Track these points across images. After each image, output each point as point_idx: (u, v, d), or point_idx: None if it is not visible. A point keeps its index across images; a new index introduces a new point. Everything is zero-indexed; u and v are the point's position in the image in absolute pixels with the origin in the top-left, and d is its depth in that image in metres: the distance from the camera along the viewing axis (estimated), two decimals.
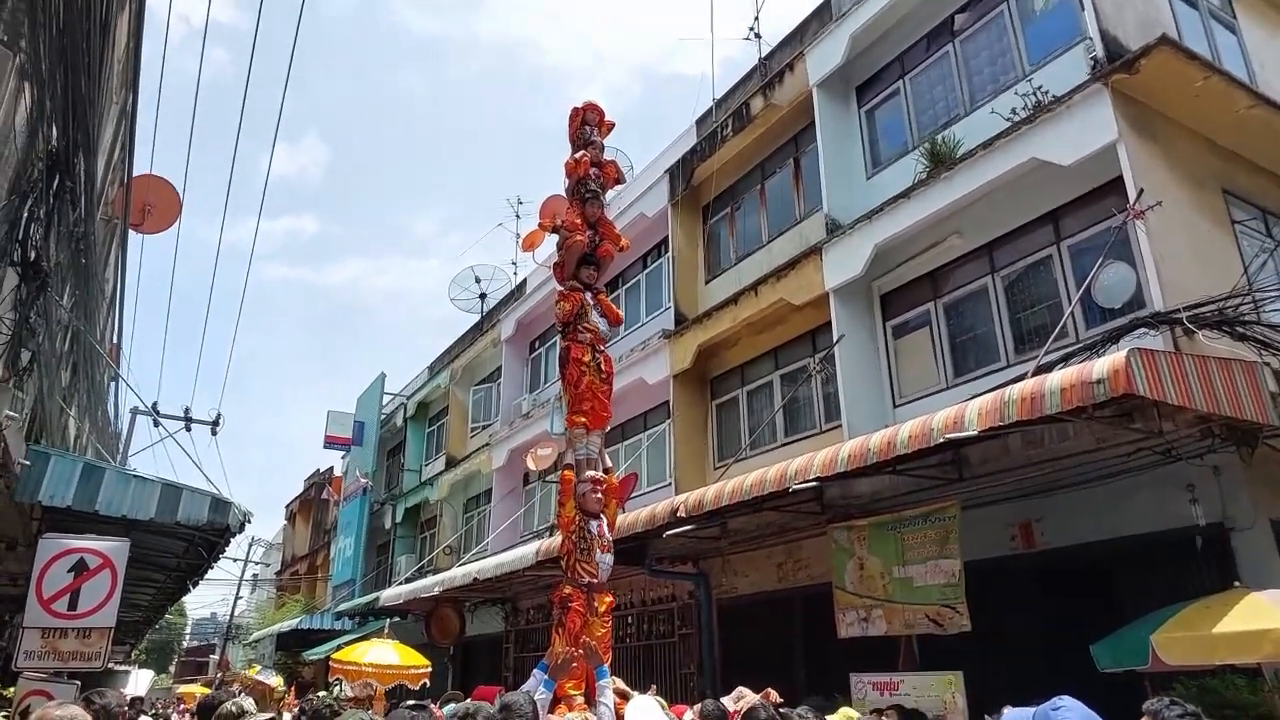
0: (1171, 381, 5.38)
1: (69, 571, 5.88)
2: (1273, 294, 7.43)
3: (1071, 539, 7.40)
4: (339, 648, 17.13)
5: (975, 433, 6.03)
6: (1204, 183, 8.33)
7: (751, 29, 14.38)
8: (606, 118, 7.73)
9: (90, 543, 5.95)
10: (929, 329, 9.97)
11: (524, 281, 20.60)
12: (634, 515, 9.76)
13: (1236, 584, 5.50)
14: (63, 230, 5.63)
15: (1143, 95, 7.94)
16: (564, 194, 7.58)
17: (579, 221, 7.11)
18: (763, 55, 13.86)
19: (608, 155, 8.08)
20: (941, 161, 9.44)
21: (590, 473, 6.29)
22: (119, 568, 5.94)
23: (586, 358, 6.59)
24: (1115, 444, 6.62)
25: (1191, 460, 6.47)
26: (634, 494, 13.49)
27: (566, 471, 6.32)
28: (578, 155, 7.42)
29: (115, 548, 5.99)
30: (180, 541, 8.57)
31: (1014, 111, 8.76)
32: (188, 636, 62.76)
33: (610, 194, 8.81)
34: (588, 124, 7.61)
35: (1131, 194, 7.43)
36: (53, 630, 5.96)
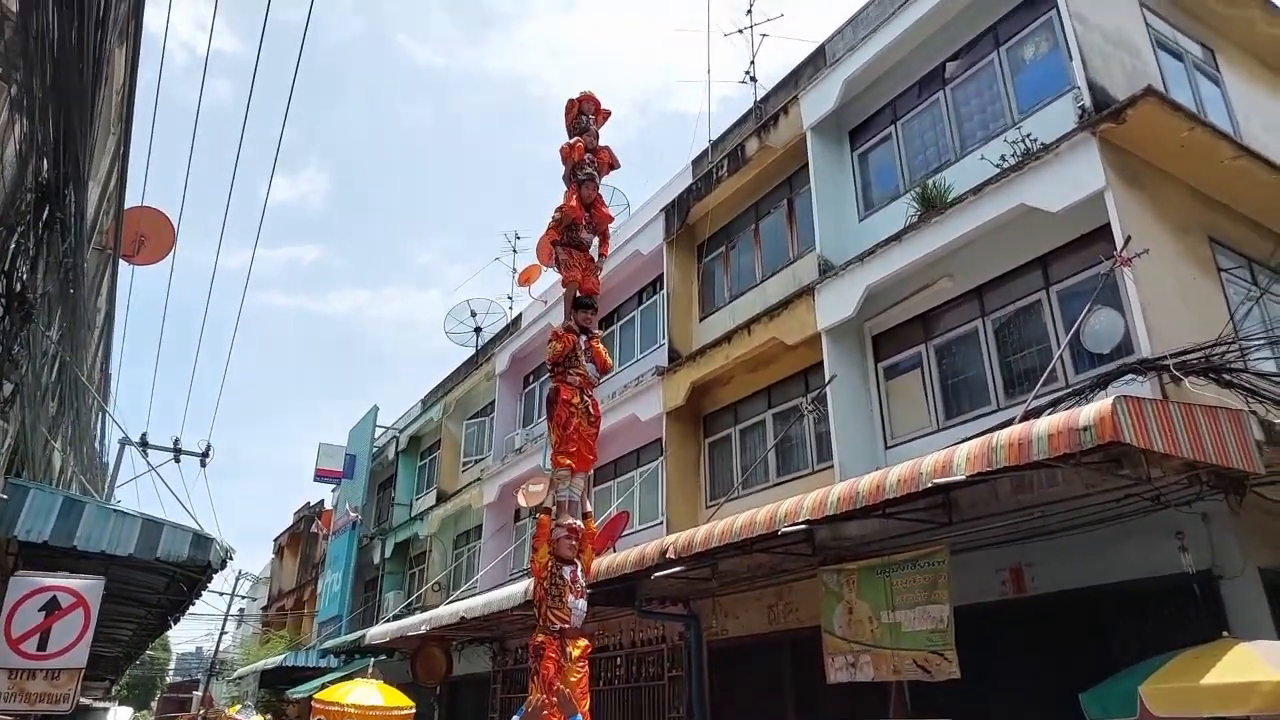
0: (1158, 429, 5.38)
1: (40, 610, 5.73)
2: (1258, 342, 7.46)
3: (1061, 585, 7.34)
4: (323, 686, 16.85)
5: (963, 477, 6.00)
6: (1190, 231, 8.42)
7: (747, 72, 14.62)
8: (603, 107, 7.97)
9: (64, 580, 5.82)
10: (920, 371, 9.98)
11: (519, 316, 20.66)
12: (623, 555, 9.66)
13: (1225, 634, 5.44)
14: (51, 261, 5.64)
15: (1130, 145, 8.06)
16: (562, 180, 7.79)
17: (574, 204, 7.35)
18: (758, 98, 14.08)
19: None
20: (932, 205, 9.54)
21: (567, 519, 6.29)
22: (93, 607, 5.81)
23: (575, 400, 6.63)
24: (1104, 490, 6.60)
25: (1180, 507, 6.45)
26: (625, 533, 13.38)
27: (543, 516, 6.33)
28: (573, 141, 7.62)
29: (89, 586, 5.85)
30: (161, 577, 8.45)
31: (1003, 158, 8.87)
32: (171, 672, 61.70)
33: (611, 226, 8.97)
34: (584, 113, 7.87)
35: (1119, 241, 7.50)
36: (20, 671, 5.80)
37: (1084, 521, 6.98)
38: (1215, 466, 5.82)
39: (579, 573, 6.30)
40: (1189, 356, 7.03)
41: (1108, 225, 7.73)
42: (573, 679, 5.93)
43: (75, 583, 5.92)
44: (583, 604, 6.23)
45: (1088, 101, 8.21)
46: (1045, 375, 7.95)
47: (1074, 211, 8.02)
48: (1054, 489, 6.85)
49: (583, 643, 6.13)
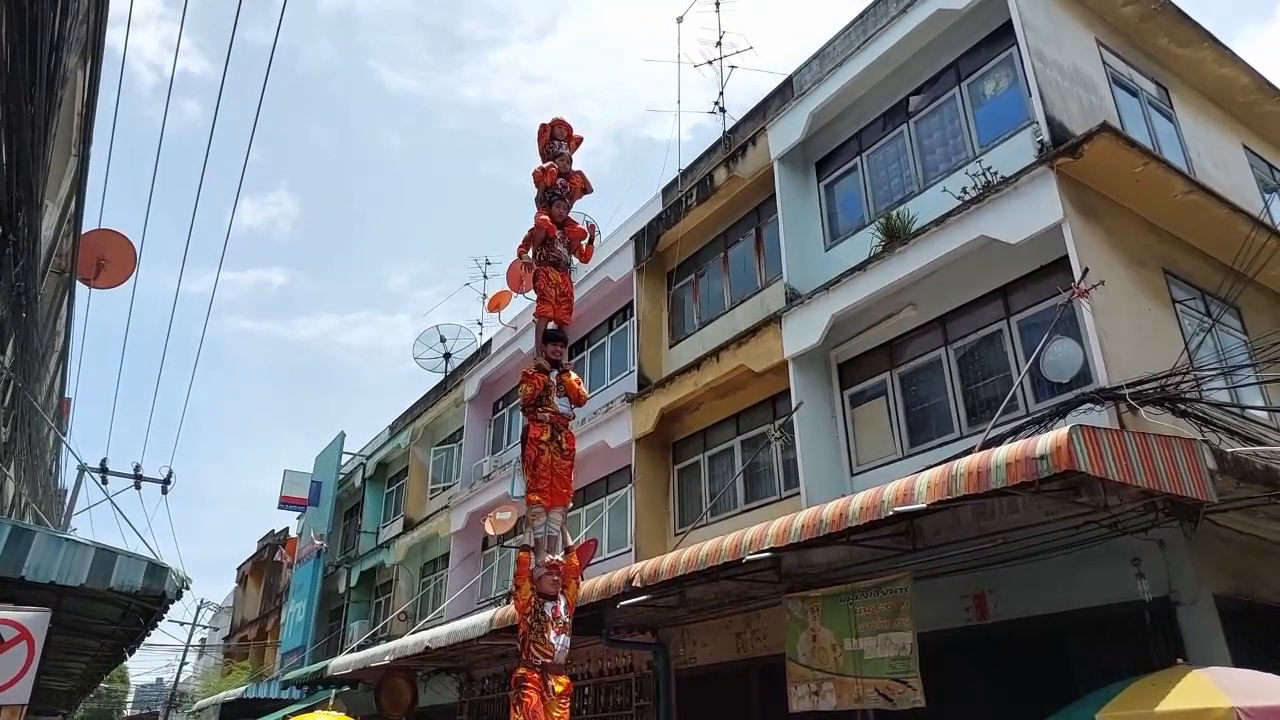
0: (1113, 458, 5.46)
1: None
2: (1212, 372, 7.63)
3: (1024, 611, 7.39)
4: (284, 719, 16.45)
5: (924, 505, 6.04)
6: (1146, 263, 8.63)
7: (716, 103, 14.80)
8: (574, 132, 8.05)
9: (5, 613, 5.62)
10: (885, 399, 10.08)
11: (489, 342, 20.57)
12: (590, 584, 9.57)
13: (1179, 661, 5.50)
14: (2, 284, 5.53)
15: (1086, 179, 8.26)
16: (534, 203, 7.85)
17: (545, 218, 7.46)
18: (727, 129, 14.25)
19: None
20: (896, 236, 9.69)
21: (547, 556, 6.27)
22: (37, 640, 5.61)
23: (545, 436, 6.64)
24: (1063, 517, 6.68)
25: (1137, 535, 6.54)
26: (594, 560, 13.28)
27: (522, 554, 6.31)
28: (545, 165, 7.68)
29: (34, 618, 5.66)
30: (115, 608, 8.23)
31: (965, 190, 9.05)
32: (130, 705, 59.89)
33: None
34: (556, 138, 7.95)
35: (1076, 273, 7.66)
36: None
37: (1045, 548, 7.04)
38: (1170, 495, 5.91)
39: (561, 608, 6.25)
40: (1145, 386, 7.17)
41: (1066, 257, 7.90)
42: (555, 714, 5.89)
43: (18, 615, 5.72)
44: (565, 640, 6.20)
45: (1046, 136, 8.41)
46: (1005, 404, 8.06)
47: (1033, 243, 8.18)
48: (1015, 516, 6.93)
49: (565, 680, 6.09)
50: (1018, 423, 7.96)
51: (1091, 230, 8.13)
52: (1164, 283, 8.77)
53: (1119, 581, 6.70)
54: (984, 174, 8.95)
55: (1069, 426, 5.43)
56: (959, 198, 9.00)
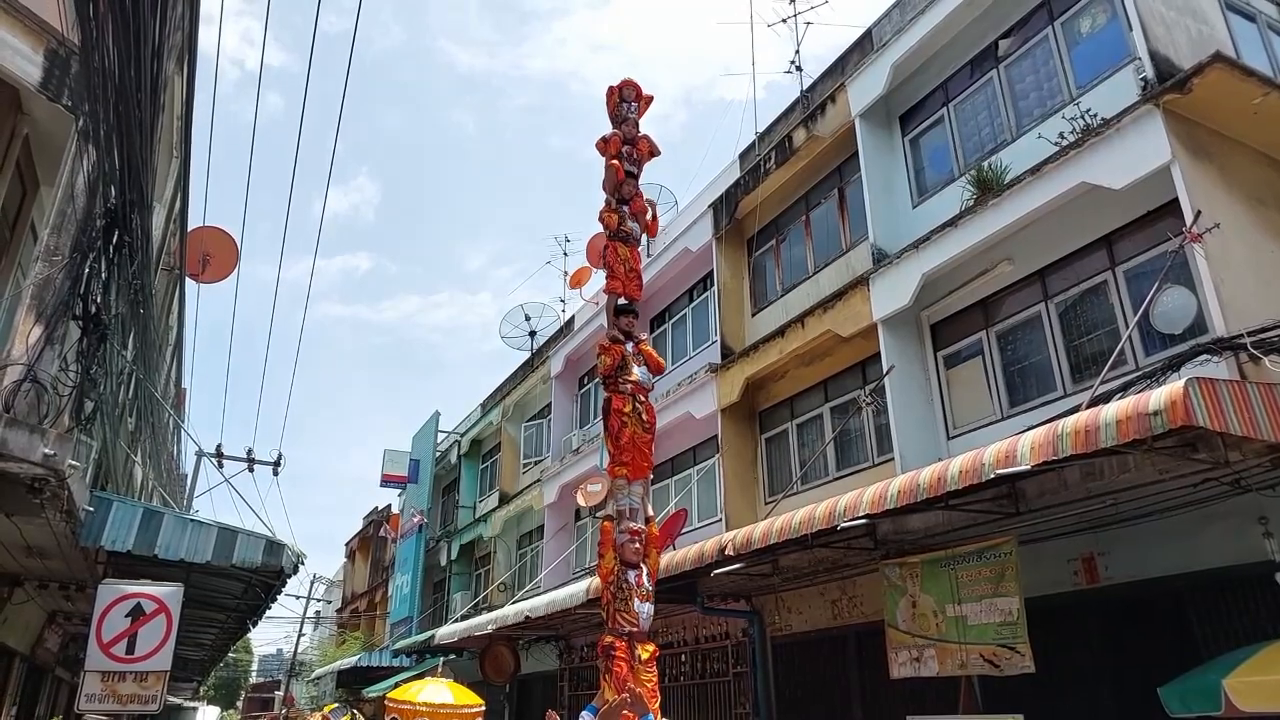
0: (1234, 411, 5.14)
1: (126, 616, 6.06)
2: None
3: (1137, 574, 7.08)
4: (396, 685, 17.27)
5: (1028, 467, 5.83)
6: (1266, 201, 8.01)
7: (793, 62, 14.44)
8: (644, 92, 7.92)
9: (146, 588, 6.12)
10: (981, 359, 9.73)
11: (572, 319, 20.81)
12: (683, 553, 9.67)
13: None
14: (121, 283, 5.91)
15: (1197, 115, 7.71)
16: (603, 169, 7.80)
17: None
18: (804, 87, 13.89)
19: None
20: (988, 188, 9.27)
21: (629, 523, 6.35)
22: (173, 612, 6.09)
23: (628, 408, 6.69)
24: (1179, 475, 6.33)
25: (1263, 492, 6.15)
26: (684, 530, 13.38)
27: (605, 523, 6.42)
28: (609, 135, 7.61)
29: (170, 593, 6.14)
30: (238, 583, 8.77)
31: (1062, 136, 8.58)
32: (254, 673, 64.03)
33: (660, 224, 8.98)
34: (625, 100, 7.83)
35: (1188, 216, 7.19)
36: (112, 674, 6.15)
37: (1159, 508, 6.72)
38: None
39: (644, 577, 6.34)
40: (1268, 334, 6.70)
41: (1175, 200, 7.42)
42: (642, 678, 6.00)
43: (156, 589, 6.23)
44: (649, 608, 6.30)
45: (1150, 72, 7.88)
46: (1113, 359, 7.67)
47: (1139, 188, 7.70)
48: (1125, 476, 6.60)
49: (651, 647, 6.19)
50: (1127, 378, 7.56)
51: (1203, 169, 7.60)
52: None
53: (1243, 541, 6.33)
54: (1082, 117, 8.45)
55: (1184, 379, 5.14)
56: (1056, 144, 8.54)
